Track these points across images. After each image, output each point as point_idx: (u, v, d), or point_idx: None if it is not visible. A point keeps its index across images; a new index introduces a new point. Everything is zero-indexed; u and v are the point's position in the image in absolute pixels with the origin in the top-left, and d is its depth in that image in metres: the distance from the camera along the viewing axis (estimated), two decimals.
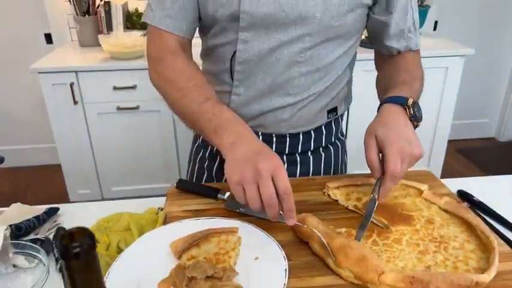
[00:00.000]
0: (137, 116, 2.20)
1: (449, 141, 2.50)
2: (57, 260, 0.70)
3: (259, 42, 0.84)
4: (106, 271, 0.63)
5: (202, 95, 0.81)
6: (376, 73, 1.01)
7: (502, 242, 0.71)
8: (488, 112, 3.28)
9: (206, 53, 0.96)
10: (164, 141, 2.30)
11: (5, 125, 2.85)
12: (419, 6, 2.36)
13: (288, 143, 0.97)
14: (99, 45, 2.21)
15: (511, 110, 3.21)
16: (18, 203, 0.86)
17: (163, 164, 2.35)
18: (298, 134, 0.97)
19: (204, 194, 0.85)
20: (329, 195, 0.85)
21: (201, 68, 0.98)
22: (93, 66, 2.08)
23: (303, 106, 0.92)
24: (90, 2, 2.36)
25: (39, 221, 0.79)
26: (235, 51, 0.86)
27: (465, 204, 0.83)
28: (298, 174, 1.00)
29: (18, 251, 0.69)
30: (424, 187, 0.82)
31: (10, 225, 0.73)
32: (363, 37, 1.05)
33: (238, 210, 0.80)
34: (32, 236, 0.75)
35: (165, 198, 0.86)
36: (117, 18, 2.41)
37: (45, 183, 2.76)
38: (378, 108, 0.82)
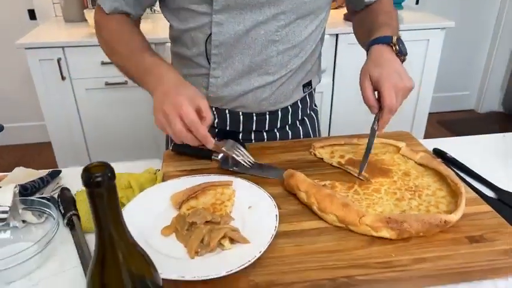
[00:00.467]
0: (126, 91, 2.21)
1: (430, 113, 2.58)
2: (63, 216, 0.75)
3: (235, 24, 0.85)
4: None
5: (130, 51, 0.85)
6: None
7: (470, 190, 0.79)
8: (469, 85, 3.38)
9: (176, 37, 0.95)
10: (153, 116, 2.32)
11: None
12: None
13: (267, 120, 1.01)
14: (85, 20, 2.21)
15: (489, 83, 3.32)
16: (21, 167, 0.90)
17: (153, 138, 2.38)
18: (277, 110, 1.01)
19: (199, 156, 0.90)
20: (315, 155, 0.91)
21: (169, 50, 1.01)
22: (80, 41, 2.07)
23: (282, 84, 0.95)
24: None
25: (43, 181, 0.84)
26: (210, 34, 0.87)
27: (439, 160, 0.90)
28: None
29: (26, 207, 0.74)
30: (401, 144, 0.89)
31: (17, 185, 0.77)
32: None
33: (231, 169, 0.86)
34: (37, 196, 0.80)
35: (161, 162, 0.91)
36: None
37: (36, 160, 2.77)
38: (367, 51, 0.87)
